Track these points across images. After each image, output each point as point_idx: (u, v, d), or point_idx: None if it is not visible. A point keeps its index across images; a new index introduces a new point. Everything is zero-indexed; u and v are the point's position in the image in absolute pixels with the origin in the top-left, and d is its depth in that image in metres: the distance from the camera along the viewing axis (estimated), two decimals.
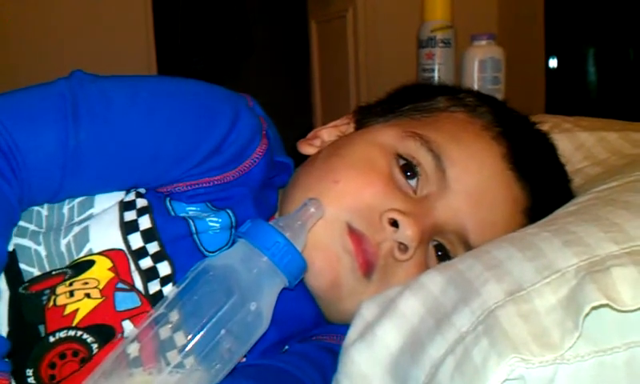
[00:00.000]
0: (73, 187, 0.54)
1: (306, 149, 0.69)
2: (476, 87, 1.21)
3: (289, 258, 0.52)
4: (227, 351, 0.49)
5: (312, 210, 0.56)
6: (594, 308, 0.39)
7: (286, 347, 0.59)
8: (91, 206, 0.56)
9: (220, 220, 0.58)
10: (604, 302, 0.38)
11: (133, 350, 0.48)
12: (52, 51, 2.23)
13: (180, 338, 0.48)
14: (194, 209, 0.59)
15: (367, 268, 0.56)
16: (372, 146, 0.61)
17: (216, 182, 0.58)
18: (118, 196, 0.57)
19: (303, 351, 0.58)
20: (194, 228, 0.57)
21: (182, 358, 0.47)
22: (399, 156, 0.60)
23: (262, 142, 0.60)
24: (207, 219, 0.58)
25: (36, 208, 0.56)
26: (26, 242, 0.54)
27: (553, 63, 2.20)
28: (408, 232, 0.55)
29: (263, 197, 0.62)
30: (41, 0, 2.27)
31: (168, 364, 0.47)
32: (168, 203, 0.58)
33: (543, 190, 0.62)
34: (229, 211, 0.58)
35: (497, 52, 1.25)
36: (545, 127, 0.71)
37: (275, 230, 0.52)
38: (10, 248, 0.53)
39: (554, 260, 0.44)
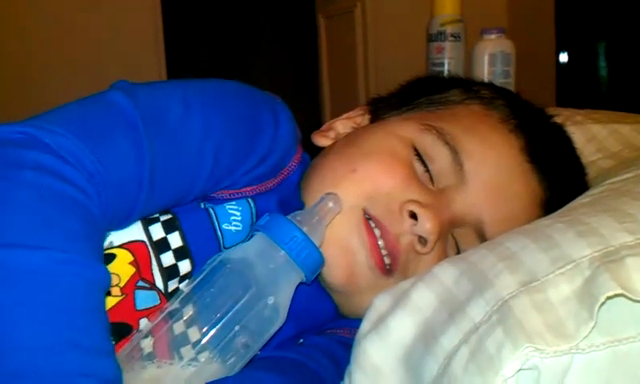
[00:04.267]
0: (146, 205, 0.51)
1: (321, 141, 0.69)
2: (486, 81, 1.20)
3: (306, 253, 0.52)
4: (243, 345, 0.50)
5: (330, 204, 0.56)
6: (609, 298, 0.39)
7: (301, 340, 0.59)
8: None
9: (240, 208, 0.57)
10: (619, 291, 0.38)
11: (146, 344, 0.48)
12: (62, 49, 2.25)
13: (194, 333, 0.48)
14: None
15: (384, 265, 0.56)
16: (391, 136, 0.61)
17: (258, 191, 0.58)
18: None
19: (318, 343, 0.58)
20: (214, 215, 0.56)
21: (197, 353, 0.48)
22: (416, 150, 0.60)
23: (298, 149, 0.61)
24: (227, 206, 0.57)
25: None
26: None
27: (563, 58, 2.18)
28: (427, 225, 0.55)
29: (291, 198, 0.62)
30: None
31: (182, 358, 0.47)
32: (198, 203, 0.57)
33: (560, 182, 0.62)
34: (249, 200, 0.58)
35: (507, 46, 1.24)
36: (556, 120, 0.71)
37: (293, 225, 0.52)
38: None
39: (568, 251, 0.44)
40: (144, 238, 0.54)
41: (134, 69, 2.27)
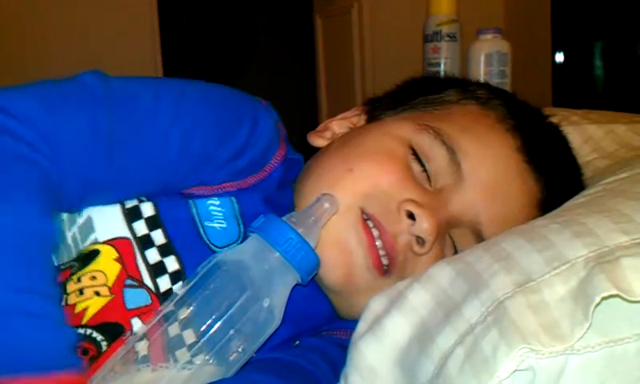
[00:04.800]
0: (107, 181, 0.52)
1: (317, 141, 0.69)
2: (482, 81, 1.20)
3: (302, 255, 0.52)
4: (238, 348, 0.49)
5: (326, 205, 0.55)
6: (604, 298, 0.39)
7: (297, 342, 0.59)
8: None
9: (223, 208, 0.57)
10: (614, 292, 0.38)
11: (141, 347, 0.48)
12: (57, 50, 2.24)
13: (190, 335, 0.48)
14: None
15: (382, 266, 0.56)
16: (388, 136, 0.61)
17: (239, 186, 0.58)
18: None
19: (314, 345, 0.58)
20: (194, 210, 0.56)
21: (192, 356, 0.47)
22: (413, 149, 0.60)
23: (280, 146, 0.61)
24: (208, 202, 0.57)
25: None
26: None
27: (560, 58, 2.19)
28: (425, 225, 0.55)
29: (277, 196, 0.62)
30: None
31: (177, 361, 0.47)
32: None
33: (557, 182, 0.62)
34: (232, 199, 0.58)
35: (503, 46, 1.24)
36: (553, 120, 0.71)
37: (288, 226, 0.52)
38: None
39: (564, 251, 0.44)
40: (128, 234, 0.54)
41: (131, 69, 2.26)
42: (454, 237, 0.59)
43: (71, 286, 0.52)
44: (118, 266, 0.53)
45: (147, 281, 0.54)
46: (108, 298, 0.52)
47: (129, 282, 0.53)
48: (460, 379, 0.40)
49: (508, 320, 0.40)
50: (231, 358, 0.49)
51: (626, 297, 0.38)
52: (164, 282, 0.54)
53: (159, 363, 0.48)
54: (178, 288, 0.53)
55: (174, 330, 0.48)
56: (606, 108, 0.95)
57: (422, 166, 0.59)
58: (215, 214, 0.57)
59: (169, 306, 0.49)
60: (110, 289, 0.52)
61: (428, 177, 0.59)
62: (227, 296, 0.49)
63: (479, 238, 0.58)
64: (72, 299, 0.52)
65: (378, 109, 0.69)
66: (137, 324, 0.52)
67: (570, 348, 0.38)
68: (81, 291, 0.52)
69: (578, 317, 0.39)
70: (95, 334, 0.51)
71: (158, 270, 0.54)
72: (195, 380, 0.48)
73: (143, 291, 0.53)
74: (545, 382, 0.38)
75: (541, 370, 0.38)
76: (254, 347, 0.51)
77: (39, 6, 2.25)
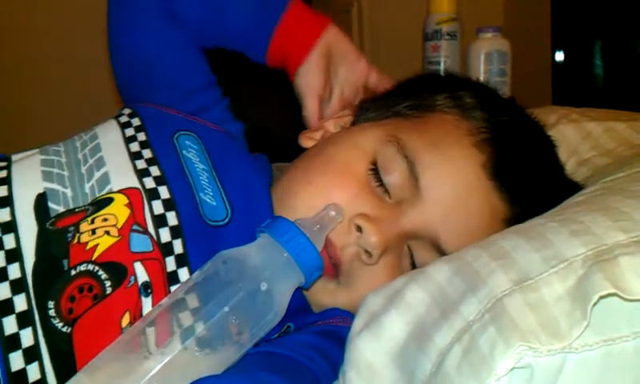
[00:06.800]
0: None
1: (304, 142, 0.71)
2: (482, 80, 1.20)
3: (308, 257, 0.53)
4: (241, 339, 0.50)
5: (332, 213, 0.57)
6: (602, 297, 0.38)
7: (289, 324, 0.59)
8: (96, 138, 0.64)
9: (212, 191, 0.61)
10: (612, 291, 0.38)
11: (146, 334, 0.49)
12: (54, 47, 2.24)
13: (194, 324, 0.48)
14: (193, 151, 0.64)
15: (330, 271, 0.58)
16: (352, 147, 0.62)
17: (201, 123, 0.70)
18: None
19: (311, 341, 0.58)
20: (192, 181, 0.61)
21: (195, 344, 0.48)
22: (374, 162, 0.60)
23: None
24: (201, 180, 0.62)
25: (56, 157, 0.61)
26: (54, 186, 0.58)
27: (559, 56, 2.19)
28: (372, 239, 0.56)
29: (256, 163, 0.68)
30: None
31: (179, 349, 0.48)
32: (175, 140, 0.63)
33: (527, 199, 0.60)
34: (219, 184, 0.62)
35: (503, 44, 1.24)
36: (552, 118, 0.71)
37: (296, 228, 0.54)
38: (41, 190, 0.57)
39: (562, 249, 0.43)
40: (138, 185, 0.58)
41: None
42: (412, 247, 0.60)
43: (84, 226, 0.55)
44: (127, 211, 0.56)
45: (151, 229, 0.56)
46: (116, 239, 0.55)
47: (135, 227, 0.56)
48: (458, 377, 0.40)
49: (506, 318, 0.40)
50: (232, 349, 0.50)
51: (623, 296, 0.38)
52: (164, 234, 0.57)
53: (162, 350, 0.48)
54: (182, 283, 0.54)
55: (178, 318, 0.49)
56: (606, 106, 0.94)
57: (381, 179, 0.60)
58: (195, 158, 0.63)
59: (175, 296, 0.51)
60: (118, 230, 0.55)
61: (387, 190, 0.60)
62: (233, 290, 0.50)
63: (439, 250, 0.58)
64: (84, 238, 0.54)
65: (364, 112, 0.70)
66: (139, 268, 0.54)
67: (568, 346, 0.38)
68: (93, 231, 0.55)
69: (576, 315, 0.38)
70: (101, 272, 0.53)
71: (160, 221, 0.57)
72: (195, 369, 0.48)
73: (147, 238, 0.56)
74: (543, 380, 0.38)
75: (539, 368, 0.38)
76: (256, 340, 0.52)
77: (37, 1, 2.25)
